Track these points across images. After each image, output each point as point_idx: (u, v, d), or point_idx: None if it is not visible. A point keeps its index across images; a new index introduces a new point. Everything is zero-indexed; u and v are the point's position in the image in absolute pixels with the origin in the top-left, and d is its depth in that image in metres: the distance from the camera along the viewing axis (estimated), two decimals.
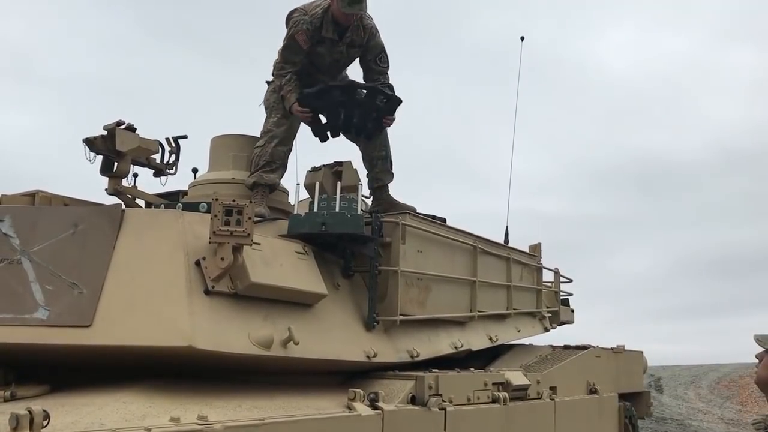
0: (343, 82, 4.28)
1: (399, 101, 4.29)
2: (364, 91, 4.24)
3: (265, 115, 4.41)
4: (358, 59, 4.51)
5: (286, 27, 4.28)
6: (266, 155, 4.19)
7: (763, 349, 2.40)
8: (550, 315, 5.98)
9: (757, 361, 2.44)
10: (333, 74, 4.48)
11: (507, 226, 5.82)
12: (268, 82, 4.47)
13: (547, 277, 6.14)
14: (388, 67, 4.49)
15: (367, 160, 4.68)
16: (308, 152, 4.58)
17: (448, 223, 4.57)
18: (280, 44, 4.38)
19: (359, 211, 3.79)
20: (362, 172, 4.68)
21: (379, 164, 4.66)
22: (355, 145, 4.75)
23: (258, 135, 4.38)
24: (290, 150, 4.37)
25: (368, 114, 4.26)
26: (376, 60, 4.43)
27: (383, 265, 3.79)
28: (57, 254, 2.94)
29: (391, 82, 4.47)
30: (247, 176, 4.19)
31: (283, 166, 4.29)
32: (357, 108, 4.21)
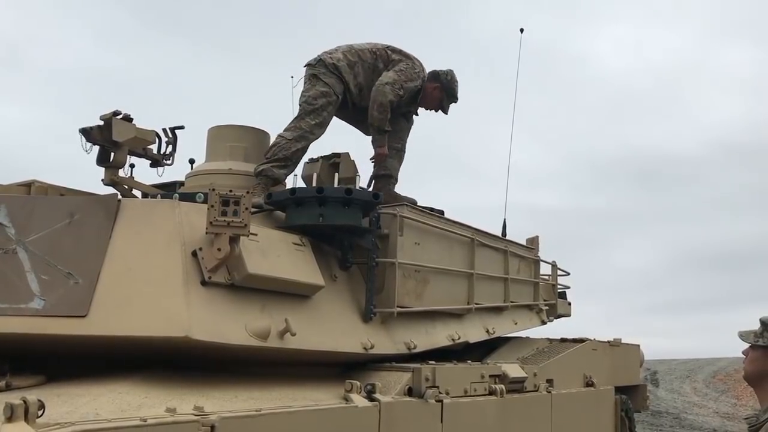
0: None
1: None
2: None
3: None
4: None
5: (387, 55, 4.54)
6: (288, 152, 4.14)
7: (748, 345, 2.43)
8: (547, 308, 5.97)
9: (744, 357, 2.48)
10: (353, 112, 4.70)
11: (504, 219, 5.80)
12: (315, 75, 4.39)
13: (545, 270, 6.14)
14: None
15: None
16: None
17: (446, 215, 4.56)
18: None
19: None
20: (360, 163, 4.67)
21: (393, 154, 4.70)
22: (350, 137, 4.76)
23: (255, 126, 4.36)
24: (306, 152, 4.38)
25: None
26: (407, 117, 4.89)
27: (381, 256, 3.78)
28: (53, 244, 2.92)
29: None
30: (259, 162, 4.14)
31: (295, 166, 4.27)
32: None
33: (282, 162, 4.13)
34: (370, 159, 4.66)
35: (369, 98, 4.47)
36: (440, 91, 4.74)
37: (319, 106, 4.28)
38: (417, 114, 4.83)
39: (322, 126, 4.29)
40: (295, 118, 4.29)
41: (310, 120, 4.24)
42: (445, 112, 4.85)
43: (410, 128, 4.91)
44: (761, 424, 2.26)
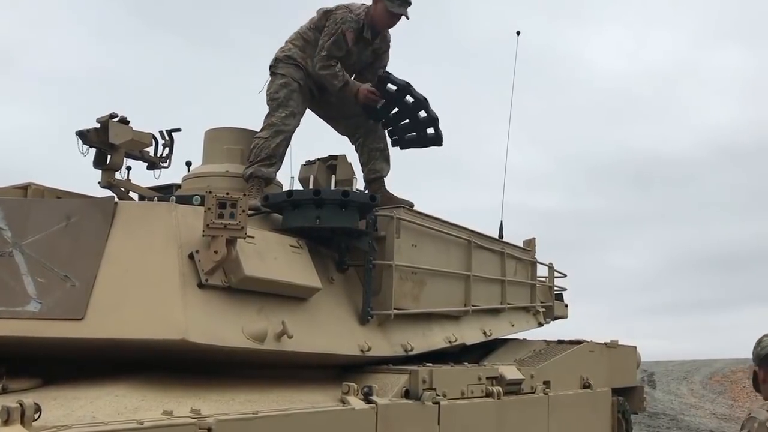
0: (420, 95, 4.42)
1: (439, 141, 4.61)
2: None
3: (264, 103, 4.37)
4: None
5: (323, 20, 4.41)
6: (268, 149, 4.16)
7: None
8: (544, 310, 5.98)
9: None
10: (349, 73, 4.55)
11: (501, 221, 5.82)
12: (273, 73, 4.40)
13: (542, 271, 6.15)
14: None
15: (365, 153, 4.69)
16: (303, 146, 4.58)
17: (443, 218, 4.57)
18: (284, 35, 4.46)
19: None
20: (357, 166, 4.68)
21: (378, 155, 4.67)
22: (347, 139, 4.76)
23: (252, 128, 4.36)
24: (288, 145, 4.36)
25: (412, 129, 4.58)
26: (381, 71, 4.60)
27: (378, 259, 3.78)
28: (49, 247, 2.92)
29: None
30: (244, 167, 4.17)
31: (281, 160, 4.28)
32: (410, 118, 4.52)
33: (267, 160, 4.16)
34: (363, 105, 4.47)
35: (350, 66, 4.49)
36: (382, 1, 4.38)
37: (283, 98, 4.29)
38: (373, 42, 4.51)
39: (294, 116, 4.29)
40: (266, 116, 4.31)
41: (279, 113, 4.26)
42: (406, 15, 4.41)
43: (385, 65, 4.66)
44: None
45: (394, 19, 4.44)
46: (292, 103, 4.28)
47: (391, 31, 4.61)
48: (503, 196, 5.99)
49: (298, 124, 4.35)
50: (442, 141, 4.62)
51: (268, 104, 4.33)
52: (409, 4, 4.40)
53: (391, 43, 4.68)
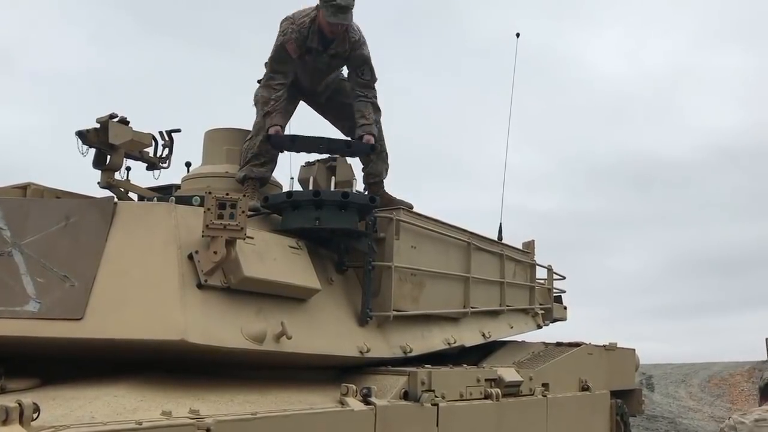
0: (313, 140, 4.19)
1: (368, 150, 4.34)
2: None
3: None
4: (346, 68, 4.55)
5: (276, 40, 4.30)
6: (254, 148, 4.19)
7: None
8: (542, 312, 5.98)
9: None
10: (315, 82, 4.50)
11: (501, 223, 5.82)
12: (259, 81, 4.45)
13: (541, 273, 6.15)
14: (371, 80, 4.44)
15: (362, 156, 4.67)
16: None
17: (442, 219, 4.57)
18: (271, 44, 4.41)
19: None
20: (356, 168, 4.67)
21: (374, 158, 4.66)
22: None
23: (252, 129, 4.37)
24: None
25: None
26: (357, 72, 4.42)
27: (377, 260, 3.78)
28: (48, 246, 2.92)
29: (378, 95, 4.48)
30: (237, 171, 4.19)
31: (273, 160, 4.28)
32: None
33: (256, 160, 4.18)
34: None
35: (311, 74, 4.43)
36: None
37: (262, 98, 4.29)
38: (326, 50, 4.27)
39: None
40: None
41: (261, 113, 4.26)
42: (346, 22, 4.16)
43: (363, 62, 4.36)
44: None
45: (334, 27, 4.18)
46: (271, 103, 4.24)
47: (391, 27, 4.58)
48: (503, 198, 6.00)
49: (285, 122, 4.32)
50: (360, 155, 4.44)
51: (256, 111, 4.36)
52: (347, 9, 4.11)
53: (360, 38, 4.33)
